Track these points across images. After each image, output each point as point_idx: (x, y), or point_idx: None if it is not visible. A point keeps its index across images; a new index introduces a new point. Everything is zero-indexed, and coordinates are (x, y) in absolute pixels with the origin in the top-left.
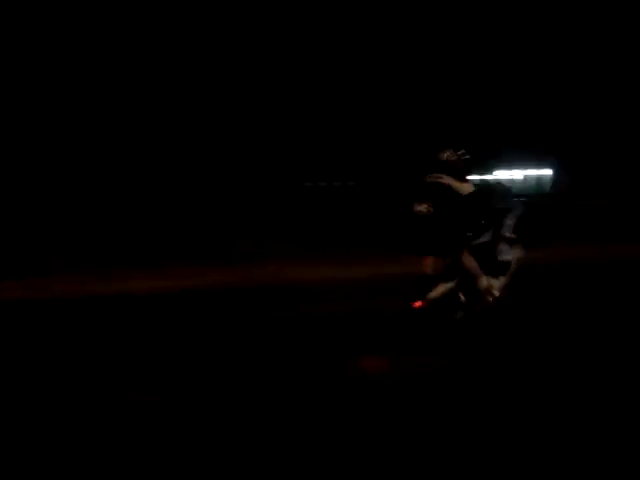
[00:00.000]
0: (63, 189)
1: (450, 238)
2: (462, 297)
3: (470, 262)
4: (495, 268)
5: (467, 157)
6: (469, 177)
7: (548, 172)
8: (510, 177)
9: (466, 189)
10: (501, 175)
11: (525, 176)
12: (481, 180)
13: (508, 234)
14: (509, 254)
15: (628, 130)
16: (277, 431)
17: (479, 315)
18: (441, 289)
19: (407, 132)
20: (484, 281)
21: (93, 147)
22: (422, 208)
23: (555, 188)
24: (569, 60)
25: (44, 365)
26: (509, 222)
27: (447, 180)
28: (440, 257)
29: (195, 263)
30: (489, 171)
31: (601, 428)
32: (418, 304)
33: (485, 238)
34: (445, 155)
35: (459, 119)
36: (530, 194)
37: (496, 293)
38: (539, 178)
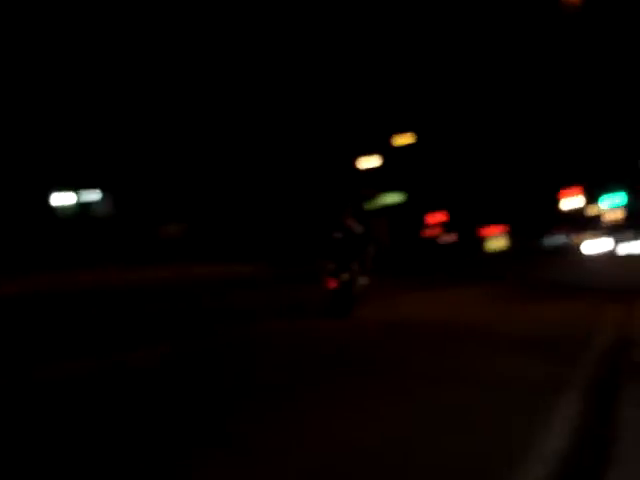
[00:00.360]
0: None
1: (348, 253)
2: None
3: (355, 266)
4: (365, 271)
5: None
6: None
7: (97, 196)
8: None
9: (358, 229)
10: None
11: (79, 201)
12: None
13: (372, 252)
14: (371, 264)
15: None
16: None
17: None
18: (345, 276)
19: None
20: (360, 278)
21: None
22: (338, 235)
23: (101, 212)
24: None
25: None
26: (371, 246)
27: (350, 223)
28: (342, 261)
29: None
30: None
31: None
32: (333, 284)
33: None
34: (350, 210)
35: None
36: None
37: (366, 284)
38: (88, 203)
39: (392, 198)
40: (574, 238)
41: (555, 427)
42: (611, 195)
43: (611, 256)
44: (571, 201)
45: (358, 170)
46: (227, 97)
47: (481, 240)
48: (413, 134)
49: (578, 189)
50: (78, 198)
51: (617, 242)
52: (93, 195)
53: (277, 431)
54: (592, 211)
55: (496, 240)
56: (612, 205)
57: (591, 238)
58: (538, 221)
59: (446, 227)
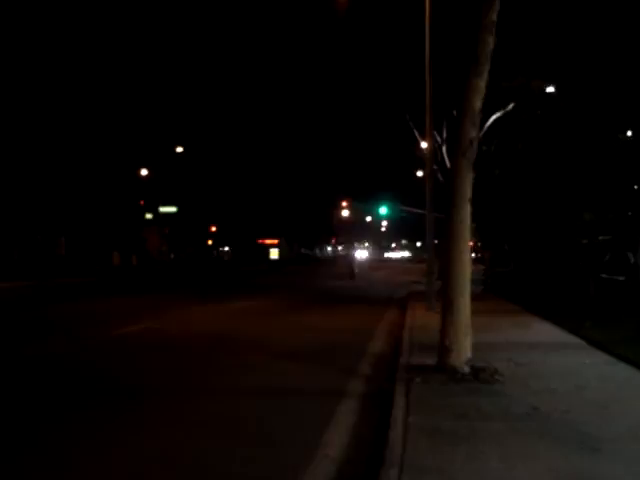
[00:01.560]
0: None
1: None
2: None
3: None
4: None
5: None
6: None
7: None
8: None
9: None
10: None
11: None
12: None
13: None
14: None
15: None
16: None
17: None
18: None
19: None
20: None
21: None
22: (345, 252)
23: None
24: None
25: None
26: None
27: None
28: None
29: None
30: None
31: None
32: (351, 270)
33: None
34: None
35: None
36: None
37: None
38: None
39: (169, 209)
40: (348, 248)
41: (336, 432)
42: (379, 207)
43: (378, 260)
44: (344, 213)
45: (134, 181)
46: None
47: (259, 251)
48: (184, 146)
49: (349, 201)
50: None
51: (382, 250)
52: None
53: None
54: (365, 223)
55: (275, 251)
56: (379, 217)
57: (362, 248)
58: (315, 233)
59: (219, 239)
